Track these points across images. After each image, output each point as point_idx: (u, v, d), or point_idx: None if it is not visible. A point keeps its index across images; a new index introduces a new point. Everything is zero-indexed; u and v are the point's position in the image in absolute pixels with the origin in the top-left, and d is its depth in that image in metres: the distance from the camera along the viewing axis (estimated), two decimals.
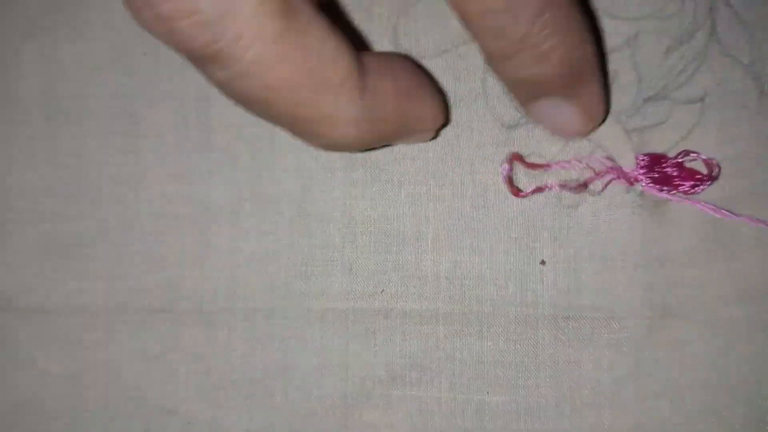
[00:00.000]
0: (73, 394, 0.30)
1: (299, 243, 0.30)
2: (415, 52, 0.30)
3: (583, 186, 0.29)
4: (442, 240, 0.29)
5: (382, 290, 0.29)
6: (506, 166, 0.29)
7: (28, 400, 0.30)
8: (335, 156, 0.30)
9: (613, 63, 0.29)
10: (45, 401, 0.30)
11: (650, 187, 0.29)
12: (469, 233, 0.29)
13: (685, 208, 0.29)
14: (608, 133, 0.29)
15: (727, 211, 0.29)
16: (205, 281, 0.30)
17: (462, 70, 0.30)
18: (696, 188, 0.29)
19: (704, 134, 0.29)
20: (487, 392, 0.29)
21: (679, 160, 0.29)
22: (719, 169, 0.29)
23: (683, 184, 0.29)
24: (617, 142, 0.29)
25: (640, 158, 0.29)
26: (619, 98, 0.29)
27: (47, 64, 0.31)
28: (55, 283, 0.30)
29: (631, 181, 0.29)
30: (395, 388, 0.29)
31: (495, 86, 0.29)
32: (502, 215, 0.29)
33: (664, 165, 0.29)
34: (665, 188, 0.29)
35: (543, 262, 0.29)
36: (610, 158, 0.29)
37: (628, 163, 0.29)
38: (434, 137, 0.29)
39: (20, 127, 0.31)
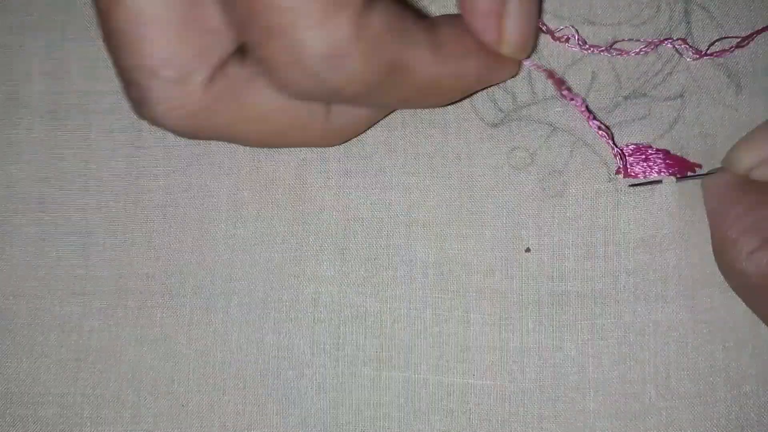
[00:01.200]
0: (67, 379, 0.30)
1: (294, 229, 0.30)
2: None
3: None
4: (431, 228, 0.30)
5: (373, 275, 0.30)
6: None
7: (22, 384, 0.30)
8: (331, 147, 0.30)
9: (592, 65, 0.30)
10: (39, 386, 0.30)
11: (633, 172, 0.29)
12: (456, 222, 0.30)
13: (666, 196, 0.29)
14: (589, 128, 0.30)
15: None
16: (203, 267, 0.30)
17: None
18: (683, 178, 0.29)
19: (685, 129, 0.30)
20: (473, 375, 0.29)
21: (665, 149, 0.30)
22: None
23: (668, 172, 0.29)
24: (598, 137, 0.30)
25: (628, 147, 0.30)
26: (598, 96, 0.30)
27: (53, 60, 0.32)
28: (56, 270, 0.31)
29: (618, 170, 0.29)
30: (384, 370, 0.29)
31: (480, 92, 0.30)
32: (488, 205, 0.30)
33: (649, 154, 0.29)
34: (652, 175, 0.29)
35: (528, 250, 0.29)
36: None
37: (610, 154, 0.30)
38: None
39: (25, 121, 0.32)
